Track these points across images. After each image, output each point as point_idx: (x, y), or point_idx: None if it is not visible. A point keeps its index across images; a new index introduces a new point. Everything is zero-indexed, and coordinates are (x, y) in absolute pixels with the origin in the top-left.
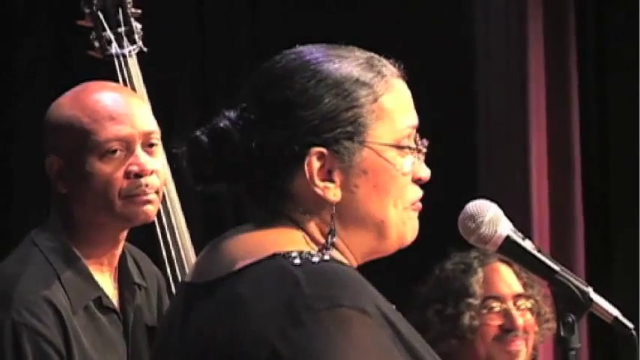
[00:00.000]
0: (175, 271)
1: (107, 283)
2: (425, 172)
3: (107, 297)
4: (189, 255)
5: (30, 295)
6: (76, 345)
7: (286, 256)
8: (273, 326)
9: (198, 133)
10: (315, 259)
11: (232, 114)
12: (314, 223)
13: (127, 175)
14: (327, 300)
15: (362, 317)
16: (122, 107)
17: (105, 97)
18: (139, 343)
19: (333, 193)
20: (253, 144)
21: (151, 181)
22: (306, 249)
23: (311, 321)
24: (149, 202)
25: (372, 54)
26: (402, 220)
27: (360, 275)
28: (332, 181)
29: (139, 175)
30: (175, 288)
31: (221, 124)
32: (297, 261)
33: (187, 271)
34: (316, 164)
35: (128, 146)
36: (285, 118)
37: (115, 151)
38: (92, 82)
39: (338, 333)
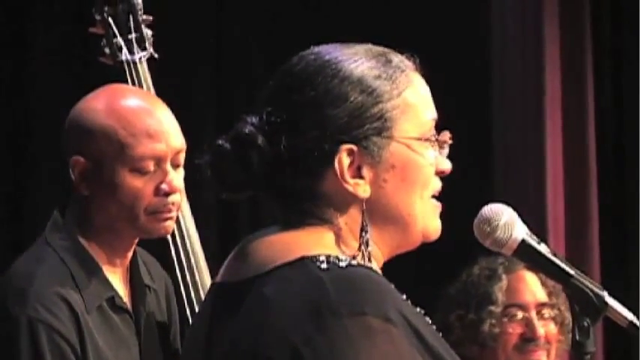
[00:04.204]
0: (186, 277)
1: (119, 283)
2: (448, 165)
3: (120, 297)
4: (203, 276)
5: (45, 292)
6: (90, 343)
7: (314, 259)
8: (297, 330)
9: (220, 141)
10: (343, 263)
11: (254, 119)
12: (343, 221)
13: (157, 192)
14: (352, 306)
15: (385, 325)
16: (158, 124)
17: (141, 109)
18: (150, 343)
19: (363, 189)
20: (282, 147)
21: (177, 199)
22: (334, 251)
23: (335, 327)
24: (171, 218)
25: (388, 49)
26: (427, 212)
27: (386, 280)
28: (361, 177)
29: (167, 194)
30: (186, 293)
31: (246, 130)
32: (325, 265)
33: (202, 294)
34: (346, 161)
35: (159, 163)
36: (313, 119)
37: (147, 167)
38: (124, 88)
39: (361, 341)
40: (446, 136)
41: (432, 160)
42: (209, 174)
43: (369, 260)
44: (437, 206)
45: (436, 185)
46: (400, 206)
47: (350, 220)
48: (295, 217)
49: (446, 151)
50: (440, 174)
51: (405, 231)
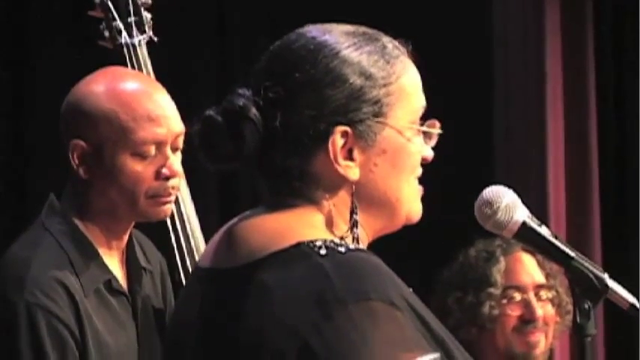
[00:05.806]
0: (185, 261)
1: (115, 266)
2: (430, 152)
3: (117, 280)
4: (199, 243)
5: (43, 277)
6: (88, 327)
7: (311, 245)
8: (304, 319)
9: (212, 112)
10: (341, 248)
11: (247, 92)
12: (331, 203)
13: (157, 176)
14: (356, 293)
15: (391, 310)
16: (159, 108)
17: (142, 93)
18: (147, 325)
19: (353, 172)
20: (277, 123)
21: (176, 182)
22: (327, 235)
23: (342, 314)
24: (170, 202)
25: (380, 33)
26: (412, 196)
27: (384, 264)
28: (352, 160)
29: (167, 178)
30: (186, 277)
31: (240, 102)
32: (323, 251)
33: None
34: (339, 142)
35: (160, 147)
36: (311, 97)
37: (148, 151)
38: (123, 71)
39: (368, 327)
40: (435, 125)
41: (420, 147)
42: (198, 144)
43: (357, 242)
44: (420, 189)
45: (420, 171)
46: (388, 191)
47: (338, 201)
48: (283, 196)
49: (434, 140)
50: (422, 161)
51: (392, 214)
